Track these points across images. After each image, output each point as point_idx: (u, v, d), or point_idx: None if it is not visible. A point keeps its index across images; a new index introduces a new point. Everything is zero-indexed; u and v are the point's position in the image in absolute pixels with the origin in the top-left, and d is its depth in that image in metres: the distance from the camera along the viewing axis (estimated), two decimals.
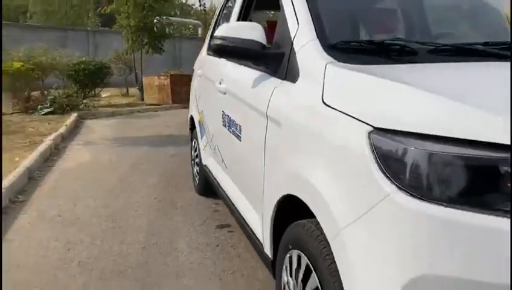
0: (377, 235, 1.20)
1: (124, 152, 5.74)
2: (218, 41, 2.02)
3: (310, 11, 1.95)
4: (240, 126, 2.35)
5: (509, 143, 1.04)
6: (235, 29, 2.02)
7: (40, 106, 9.09)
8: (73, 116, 8.42)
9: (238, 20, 2.86)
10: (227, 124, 2.61)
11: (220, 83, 2.76)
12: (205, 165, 3.39)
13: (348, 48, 1.78)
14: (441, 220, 1.08)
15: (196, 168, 3.89)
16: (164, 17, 12.25)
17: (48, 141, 5.77)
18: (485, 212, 1.05)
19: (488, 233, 1.04)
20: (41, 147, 5.36)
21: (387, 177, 1.18)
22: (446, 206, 1.08)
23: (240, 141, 2.35)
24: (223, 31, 2.04)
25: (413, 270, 1.11)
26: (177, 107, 10.88)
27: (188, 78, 13.63)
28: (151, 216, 3.43)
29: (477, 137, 1.08)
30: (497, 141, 1.06)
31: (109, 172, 4.75)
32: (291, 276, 1.71)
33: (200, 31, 20.15)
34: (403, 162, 1.15)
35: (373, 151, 1.23)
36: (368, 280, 1.22)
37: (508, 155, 1.04)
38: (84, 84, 11.45)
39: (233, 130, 2.47)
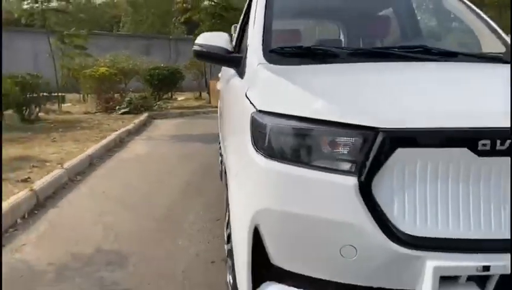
0: (246, 181, 1.68)
1: (178, 146, 6.50)
2: (196, 48, 2.56)
3: (263, 23, 2.43)
4: (226, 117, 2.88)
5: (326, 119, 1.48)
6: (208, 38, 2.54)
7: (118, 107, 10.24)
8: (144, 115, 9.44)
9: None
10: (223, 114, 3.16)
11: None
12: (220, 154, 3.95)
13: (283, 52, 2.23)
14: (278, 172, 1.53)
15: (220, 158, 4.47)
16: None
17: (113, 135, 6.70)
18: (305, 167, 1.49)
19: (307, 180, 1.48)
20: (106, 140, 6.27)
21: (253, 144, 1.64)
22: (282, 162, 1.53)
23: (226, 127, 2.87)
24: (201, 39, 2.57)
25: (261, 204, 1.57)
26: None
27: None
28: (177, 197, 4.05)
29: (311, 115, 1.52)
30: (319, 118, 1.49)
31: (158, 162, 5.49)
32: None
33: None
34: (261, 133, 1.61)
35: (250, 127, 1.70)
36: (239, 209, 1.73)
37: (323, 127, 1.47)
38: (158, 88, 12.59)
39: (224, 120, 3.02)
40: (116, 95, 11.27)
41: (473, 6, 2.72)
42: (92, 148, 5.62)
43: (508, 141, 1.40)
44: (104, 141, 6.20)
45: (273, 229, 1.56)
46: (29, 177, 4.23)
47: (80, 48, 10.82)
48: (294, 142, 1.53)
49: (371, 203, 1.41)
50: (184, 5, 12.98)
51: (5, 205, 3.29)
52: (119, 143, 6.68)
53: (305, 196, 1.49)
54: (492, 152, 1.41)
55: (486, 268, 1.39)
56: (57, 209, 3.68)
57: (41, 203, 3.73)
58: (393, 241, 1.40)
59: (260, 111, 1.68)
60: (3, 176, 4.21)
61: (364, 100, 1.61)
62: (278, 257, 1.57)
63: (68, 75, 11.50)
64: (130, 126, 7.81)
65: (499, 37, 2.53)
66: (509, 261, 1.40)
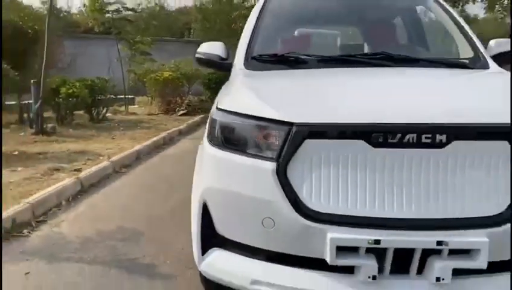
0: (200, 166, 2.06)
1: None
2: (197, 55, 2.96)
3: (251, 33, 2.78)
4: None
5: (256, 115, 1.81)
6: (207, 47, 2.93)
7: (177, 109, 10.98)
8: (199, 117, 10.06)
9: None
10: None
11: None
12: None
13: (263, 59, 2.57)
14: (220, 158, 1.89)
15: None
16: None
17: (164, 134, 7.32)
18: (240, 153, 1.83)
19: (240, 165, 1.82)
20: (156, 138, 6.89)
21: (208, 136, 2.01)
22: (223, 149, 1.88)
23: None
24: (201, 48, 2.97)
25: (207, 183, 1.94)
26: None
27: None
28: None
29: (246, 112, 1.87)
30: (251, 114, 1.83)
31: None
32: None
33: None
34: (213, 127, 1.98)
35: (208, 122, 2.07)
36: (195, 189, 2.09)
37: (254, 122, 1.81)
38: (215, 91, 13.23)
39: None
40: (177, 98, 12.04)
41: (454, 14, 2.88)
42: (141, 145, 6.24)
43: (399, 135, 1.65)
44: (154, 138, 6.83)
45: (216, 204, 1.91)
46: (81, 168, 4.88)
47: (145, 54, 11.72)
48: (233, 134, 1.88)
49: (285, 184, 1.72)
50: (243, 12, 13.51)
51: (51, 189, 3.92)
52: (169, 141, 7.28)
53: (238, 177, 1.83)
54: (385, 144, 1.66)
55: (377, 242, 1.65)
56: (96, 195, 4.26)
57: (85, 190, 4.33)
58: (301, 216, 1.70)
59: (217, 109, 2.04)
60: (59, 166, 4.91)
61: (294, 100, 1.93)
62: (220, 227, 1.92)
63: (135, 79, 12.47)
64: (182, 126, 8.43)
65: (471, 43, 2.67)
66: (399, 237, 1.65)
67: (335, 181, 1.70)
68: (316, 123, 1.72)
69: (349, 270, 1.72)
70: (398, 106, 1.81)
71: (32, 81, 7.58)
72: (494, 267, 1.72)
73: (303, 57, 2.52)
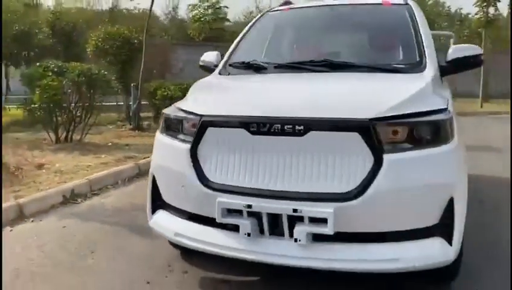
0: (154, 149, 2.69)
1: None
2: (200, 62, 3.58)
3: (235, 46, 3.36)
4: None
5: (185, 109, 2.42)
6: (206, 55, 3.53)
7: None
8: None
9: None
10: None
11: None
12: None
13: (235, 66, 3.13)
14: (162, 141, 2.52)
15: None
16: None
17: None
18: (173, 138, 2.44)
19: (171, 146, 2.45)
20: None
21: (160, 127, 2.64)
22: (165, 135, 2.50)
23: None
24: (203, 56, 3.58)
25: (154, 161, 2.61)
26: None
27: None
28: None
29: (182, 107, 2.48)
30: (184, 108, 2.44)
31: None
32: None
33: (451, 42, 19.83)
34: (163, 119, 2.60)
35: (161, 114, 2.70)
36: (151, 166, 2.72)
37: (183, 115, 2.41)
38: None
39: None
40: None
41: (417, 22, 3.09)
42: None
43: (268, 125, 2.11)
44: None
45: (159, 176, 2.55)
46: (148, 156, 5.82)
47: None
48: (170, 123, 2.50)
49: (194, 161, 2.30)
50: None
51: (111, 170, 4.88)
52: None
53: (170, 155, 2.46)
54: (259, 132, 2.13)
55: (250, 206, 2.13)
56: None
57: (141, 174, 5.23)
58: (202, 185, 2.26)
59: (176, 107, 2.66)
60: (133, 155, 5.93)
61: (214, 97, 2.51)
62: (163, 194, 2.53)
63: None
64: None
65: (419, 50, 2.88)
66: (266, 204, 2.10)
67: (225, 160, 2.24)
68: (213, 115, 2.27)
69: (237, 229, 2.21)
70: (276, 103, 2.28)
71: (132, 84, 8.94)
72: (346, 238, 2.08)
73: (262, 64, 3.01)
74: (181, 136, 2.41)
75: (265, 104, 2.30)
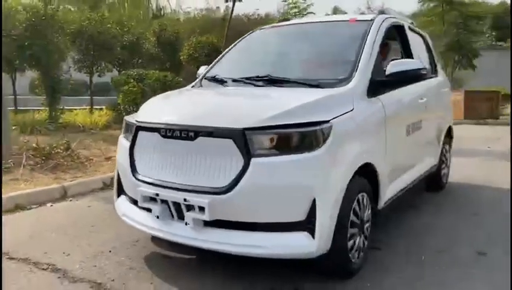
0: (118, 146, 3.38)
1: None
2: (196, 75, 4.22)
3: (218, 59, 3.95)
4: None
5: (137, 119, 3.12)
6: (201, 68, 4.17)
7: None
8: None
9: None
10: None
11: None
12: None
13: (207, 79, 3.73)
14: (120, 142, 3.25)
15: None
16: None
17: None
18: (125, 139, 3.17)
19: (122, 144, 3.18)
20: None
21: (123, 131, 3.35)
22: (123, 136, 3.23)
23: None
24: (199, 69, 4.21)
25: (117, 157, 3.31)
26: (468, 123, 11.23)
27: (486, 95, 12.42)
28: None
29: (135, 117, 3.18)
30: (133, 117, 3.14)
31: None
32: None
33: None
34: (124, 123, 3.32)
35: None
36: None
37: (131, 121, 3.11)
38: None
39: None
40: None
41: (362, 41, 3.35)
42: None
43: (170, 131, 2.70)
44: None
45: (119, 169, 3.26)
46: None
47: None
48: (126, 127, 3.21)
49: (131, 157, 2.98)
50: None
51: None
52: None
53: (121, 152, 3.16)
54: (166, 136, 2.75)
55: (157, 194, 2.76)
56: None
57: None
58: (133, 177, 2.93)
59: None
60: None
61: (155, 106, 3.18)
62: (122, 182, 3.24)
63: None
64: None
65: (353, 66, 3.16)
66: (167, 193, 2.69)
67: (147, 157, 2.90)
68: (143, 122, 2.96)
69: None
70: (183, 112, 2.88)
71: None
72: (226, 225, 2.58)
73: (223, 78, 3.58)
74: (128, 138, 3.10)
75: (177, 113, 2.90)
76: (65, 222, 4.00)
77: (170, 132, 2.73)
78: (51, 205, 4.53)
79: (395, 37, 4.11)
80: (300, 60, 3.75)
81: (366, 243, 3.01)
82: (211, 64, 4.03)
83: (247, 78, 3.43)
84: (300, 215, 2.51)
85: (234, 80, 3.54)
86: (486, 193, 5.20)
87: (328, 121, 2.62)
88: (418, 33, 4.82)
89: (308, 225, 2.51)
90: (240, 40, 4.22)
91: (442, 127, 4.97)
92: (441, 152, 4.96)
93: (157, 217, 2.78)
